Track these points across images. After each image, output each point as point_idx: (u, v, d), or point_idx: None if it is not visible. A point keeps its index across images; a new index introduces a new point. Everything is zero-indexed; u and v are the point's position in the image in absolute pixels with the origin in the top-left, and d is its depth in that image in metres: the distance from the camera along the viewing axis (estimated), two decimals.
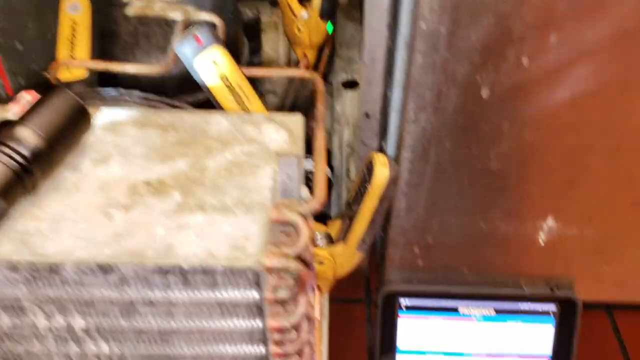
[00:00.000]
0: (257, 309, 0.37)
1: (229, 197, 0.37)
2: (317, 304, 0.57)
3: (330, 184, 0.65)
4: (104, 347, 0.40)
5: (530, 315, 0.64)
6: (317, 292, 0.58)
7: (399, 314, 0.64)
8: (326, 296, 0.64)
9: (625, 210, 0.58)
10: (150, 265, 0.34)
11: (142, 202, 0.37)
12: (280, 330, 0.39)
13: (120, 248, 0.35)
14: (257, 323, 0.38)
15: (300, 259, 0.38)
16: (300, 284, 0.36)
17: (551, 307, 0.63)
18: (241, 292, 0.36)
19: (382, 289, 0.63)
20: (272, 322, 0.38)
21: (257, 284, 0.35)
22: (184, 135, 0.41)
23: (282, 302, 0.37)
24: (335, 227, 0.57)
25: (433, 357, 0.65)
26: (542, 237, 0.60)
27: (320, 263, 0.55)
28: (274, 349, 0.40)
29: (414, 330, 0.65)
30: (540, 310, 0.64)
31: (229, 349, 0.40)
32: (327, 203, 0.70)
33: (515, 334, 0.64)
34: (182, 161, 0.39)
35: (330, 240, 0.56)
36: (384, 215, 0.55)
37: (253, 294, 0.36)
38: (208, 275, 0.34)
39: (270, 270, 0.34)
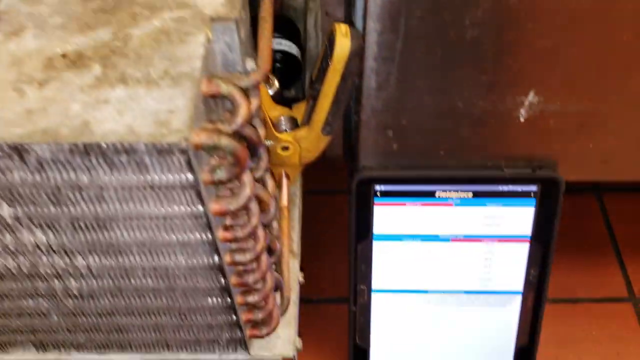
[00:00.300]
0: (196, 193, 0.34)
1: (155, 68, 0.33)
2: (286, 192, 0.54)
3: (299, 65, 0.61)
4: (40, 236, 0.37)
5: (510, 198, 0.61)
6: (285, 179, 0.55)
7: (374, 201, 0.61)
8: (298, 184, 0.61)
9: (611, 81, 0.53)
10: (65, 145, 0.30)
11: (58, 76, 0.33)
12: (226, 214, 0.36)
13: (33, 127, 0.31)
14: (198, 208, 0.35)
15: (240, 136, 0.34)
16: (238, 163, 0.32)
17: (532, 188, 0.60)
18: (174, 174, 0.32)
19: (356, 175, 0.60)
20: (214, 206, 0.35)
21: (189, 164, 0.31)
22: (107, 2, 0.36)
23: (222, 184, 0.33)
24: (300, 110, 0.53)
25: (410, 243, 0.63)
26: (522, 114, 0.55)
27: (285, 149, 0.51)
28: (222, 234, 0.37)
29: (390, 217, 0.62)
30: (521, 191, 0.61)
31: (175, 236, 0.37)
32: (299, 86, 0.65)
33: (494, 217, 0.62)
34: (104, 31, 0.34)
35: (295, 124, 0.53)
36: (351, 95, 0.51)
37: (187, 176, 0.32)
38: (132, 155, 0.31)
39: (199, 147, 0.31)
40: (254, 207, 0.37)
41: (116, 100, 0.31)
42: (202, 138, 0.30)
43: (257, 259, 0.40)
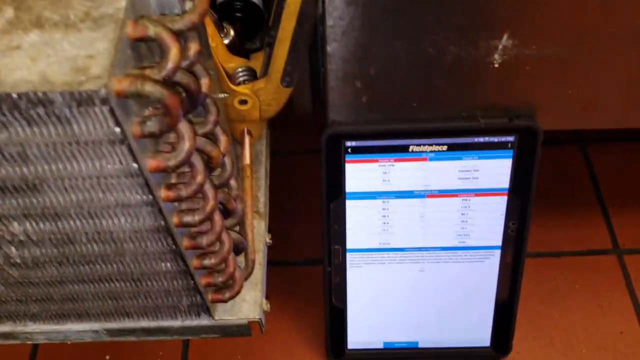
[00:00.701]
0: (127, 149, 0.30)
1: (75, 11, 0.29)
2: (248, 150, 0.51)
3: (262, 14, 0.57)
4: None
5: (486, 150, 0.58)
6: (247, 137, 0.52)
7: (346, 158, 0.58)
8: (263, 141, 0.58)
9: (589, 23, 0.50)
10: None
11: None
12: (165, 172, 0.32)
13: None
14: (132, 165, 0.31)
15: (174, 84, 0.31)
16: (168, 113, 0.29)
17: (509, 139, 0.57)
18: (99, 128, 0.29)
19: (325, 131, 0.57)
20: (151, 163, 0.32)
21: (113, 115, 0.28)
22: None
23: (154, 137, 0.30)
24: (259, 61, 0.49)
25: (384, 200, 0.60)
26: (496, 60, 0.52)
27: (243, 102, 0.48)
28: (165, 194, 0.34)
29: (362, 174, 0.59)
30: (497, 142, 0.58)
31: (113, 197, 0.34)
32: (263, 37, 0.62)
33: (470, 171, 0.59)
34: None
35: (254, 76, 0.49)
36: (311, 41, 0.47)
37: (113, 129, 0.29)
38: (50, 107, 0.28)
39: (122, 95, 0.27)
40: (199, 163, 0.34)
41: (29, 45, 0.28)
42: (123, 85, 0.27)
43: (209, 219, 0.38)
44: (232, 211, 0.42)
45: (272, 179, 0.84)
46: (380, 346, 0.69)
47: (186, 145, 0.32)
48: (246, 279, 0.48)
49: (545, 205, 0.80)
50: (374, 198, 0.60)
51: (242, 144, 0.50)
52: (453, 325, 0.67)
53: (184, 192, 0.34)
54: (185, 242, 0.38)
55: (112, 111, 0.28)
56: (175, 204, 0.36)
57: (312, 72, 0.61)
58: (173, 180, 0.36)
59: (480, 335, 0.68)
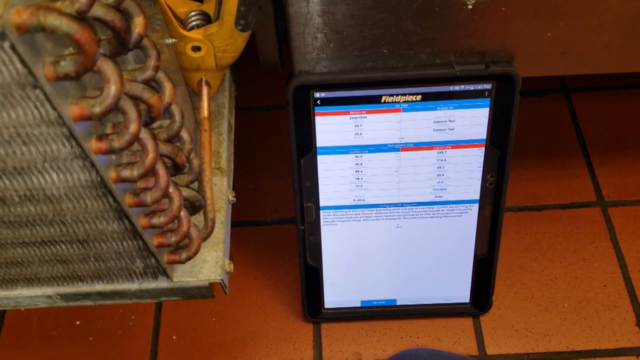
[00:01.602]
0: (43, 93, 0.27)
1: None
2: (206, 102, 0.47)
3: None
4: None
5: (462, 99, 0.54)
6: (205, 88, 0.48)
7: (315, 110, 0.55)
8: (226, 94, 0.54)
9: None
10: None
11: None
12: (91, 119, 0.29)
13: None
14: (50, 112, 0.28)
15: (94, 20, 0.27)
16: (81, 51, 0.25)
17: (486, 86, 0.54)
18: (5, 68, 0.25)
19: (292, 81, 0.53)
20: (73, 110, 0.28)
21: (16, 52, 0.24)
22: None
23: (70, 79, 0.27)
24: (213, 5, 0.45)
25: (357, 154, 0.57)
26: (470, 0, 0.48)
27: (196, 49, 0.44)
28: (96, 144, 0.30)
29: (333, 127, 0.56)
30: (474, 90, 0.54)
31: (36, 149, 0.30)
32: None
33: (446, 121, 0.55)
34: None
35: (208, 20, 0.45)
36: None
37: (19, 70, 0.25)
38: None
39: (23, 29, 0.24)
40: (131, 110, 0.30)
41: None
42: (23, 17, 0.23)
43: (151, 174, 0.34)
44: (182, 166, 0.38)
45: (241, 136, 0.81)
46: (358, 305, 0.66)
47: (112, 89, 0.28)
48: (205, 238, 0.45)
49: (527, 157, 0.77)
50: (347, 152, 0.57)
51: (199, 96, 0.47)
52: (431, 282, 0.65)
53: (116, 144, 0.30)
54: (128, 200, 0.35)
55: (13, 48, 0.24)
56: (113, 157, 0.33)
57: (277, 21, 0.56)
58: (109, 131, 0.32)
59: (459, 291, 0.65)
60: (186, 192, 0.41)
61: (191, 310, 0.68)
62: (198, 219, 0.46)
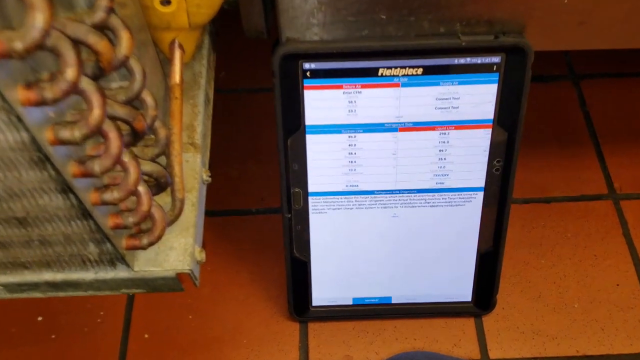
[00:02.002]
0: None
1: None
2: (178, 66, 0.41)
3: None
4: None
5: (468, 74, 0.48)
6: (178, 51, 0.42)
7: (304, 83, 0.49)
8: (204, 62, 0.48)
9: None
10: None
11: None
12: (10, 56, 0.23)
13: None
14: None
15: None
16: None
17: (495, 60, 0.48)
18: None
19: (278, 50, 0.47)
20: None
21: None
22: None
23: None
24: None
25: (350, 134, 0.51)
26: None
27: (166, 3, 0.38)
28: (23, 94, 0.24)
29: (324, 103, 0.49)
30: (481, 64, 0.48)
31: None
32: None
33: (449, 99, 0.49)
34: None
35: None
36: None
37: None
38: None
39: None
40: (69, 52, 0.24)
41: None
42: None
43: (99, 136, 0.28)
44: (142, 132, 0.32)
45: (226, 119, 0.75)
46: (349, 302, 0.60)
47: (37, 18, 0.22)
48: (172, 222, 0.38)
49: (533, 146, 0.71)
50: (339, 132, 0.51)
51: (170, 59, 0.41)
52: (430, 278, 0.59)
53: (49, 93, 0.24)
54: (72, 168, 0.29)
55: None
56: (49, 113, 0.27)
57: None
58: (33, 77, 0.26)
59: (461, 289, 0.60)
60: (149, 166, 0.35)
61: (165, 307, 0.61)
62: (166, 199, 0.39)
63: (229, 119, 0.74)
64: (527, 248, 0.65)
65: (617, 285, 0.62)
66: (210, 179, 0.43)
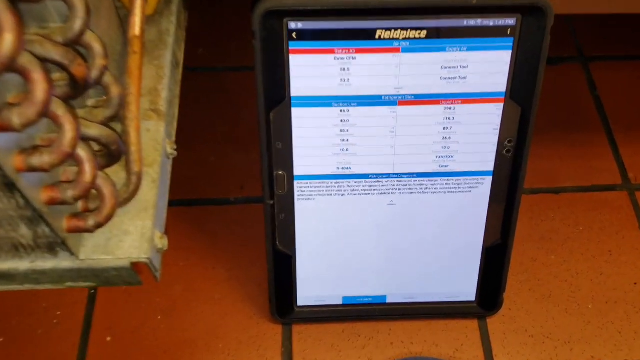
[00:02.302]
0: None
1: None
2: (139, 17, 0.34)
3: None
4: None
5: (478, 38, 0.42)
6: None
7: (289, 47, 0.42)
8: (173, 19, 0.41)
9: None
10: None
11: None
12: None
13: None
14: None
15: None
16: None
17: (509, 22, 0.42)
18: None
19: (258, 6, 0.40)
20: None
21: None
22: None
23: None
24: None
25: (343, 107, 0.44)
26: None
27: None
28: None
29: (313, 70, 0.43)
30: (493, 26, 0.42)
31: None
32: None
33: (456, 67, 0.43)
34: None
35: None
36: None
37: None
38: None
39: None
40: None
41: None
42: None
43: (19, 74, 0.21)
44: (83, 82, 0.25)
45: (205, 100, 0.68)
46: (339, 302, 0.54)
47: (5, 42, 0.15)
48: (127, 200, 0.32)
49: (541, 133, 0.64)
50: (329, 105, 0.44)
51: (130, 8, 0.34)
52: (430, 274, 0.52)
53: None
54: None
55: None
56: None
57: None
58: None
59: (464, 287, 0.53)
60: (96, 129, 0.28)
61: (131, 306, 0.54)
62: (121, 175, 0.33)
63: (208, 100, 0.67)
64: (536, 242, 0.59)
65: (635, 284, 0.56)
66: (175, 153, 0.36)
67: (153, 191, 0.33)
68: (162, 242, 0.33)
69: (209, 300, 0.55)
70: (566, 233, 0.59)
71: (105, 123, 0.31)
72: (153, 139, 0.35)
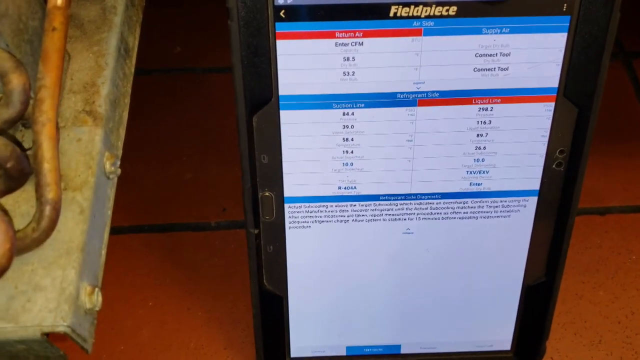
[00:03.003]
0: None
1: None
2: None
3: None
4: None
5: (524, 19, 0.33)
6: None
7: (276, 29, 0.33)
8: None
9: None
10: None
11: None
12: None
13: None
14: None
15: None
16: None
17: None
18: None
19: None
20: None
21: None
22: None
23: None
24: None
25: (346, 109, 0.35)
26: None
27: None
28: None
29: (307, 60, 0.33)
30: (544, 2, 0.32)
31: None
32: None
33: (495, 55, 0.33)
34: None
35: None
36: None
37: None
38: None
39: None
40: None
41: None
42: None
43: None
44: None
45: (180, 105, 0.59)
46: (342, 352, 0.44)
47: None
48: (36, 241, 0.22)
49: None
50: (329, 106, 0.34)
51: None
52: (454, 319, 0.42)
53: None
54: None
55: None
56: None
57: None
58: None
59: (497, 334, 0.43)
60: None
61: (89, 357, 0.45)
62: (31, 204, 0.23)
63: (185, 105, 0.58)
64: (580, 275, 0.49)
65: None
66: (118, 170, 0.27)
67: (81, 226, 0.24)
68: (91, 300, 0.23)
69: (183, 348, 0.45)
70: (616, 263, 0.49)
71: (2, 129, 0.21)
72: (85, 152, 0.25)
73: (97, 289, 0.24)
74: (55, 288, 0.22)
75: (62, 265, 0.23)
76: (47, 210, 0.22)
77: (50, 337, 0.23)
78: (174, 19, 0.64)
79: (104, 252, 0.25)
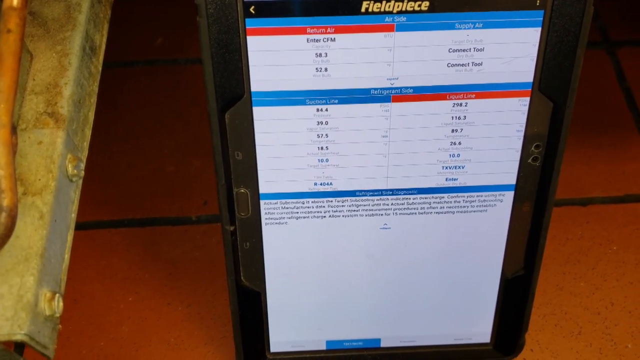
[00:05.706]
0: None
1: None
2: None
3: None
4: None
5: (498, 12, 0.32)
6: None
7: (247, 25, 0.32)
8: None
9: None
10: None
11: None
12: None
13: None
14: None
15: None
16: None
17: None
18: None
19: None
20: None
21: None
22: None
23: None
24: None
25: (319, 105, 0.34)
26: None
27: None
28: None
29: (278, 57, 0.33)
30: None
31: None
32: None
33: (469, 50, 0.33)
34: None
35: None
36: None
37: None
38: None
39: None
40: None
41: None
42: None
43: None
44: None
45: (159, 99, 0.58)
46: (322, 347, 0.43)
47: None
48: None
49: None
50: (302, 103, 0.34)
51: None
52: (434, 313, 0.42)
53: None
54: None
55: None
56: None
57: None
58: None
59: (476, 327, 0.43)
60: None
61: (68, 352, 0.44)
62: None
63: (166, 97, 0.57)
64: (560, 266, 0.49)
65: None
66: (82, 173, 0.26)
67: (40, 231, 0.23)
68: (51, 307, 0.23)
69: (162, 344, 0.45)
70: (597, 254, 0.49)
71: None
72: (46, 155, 0.25)
73: (57, 295, 0.23)
74: (13, 296, 0.22)
75: (20, 273, 0.22)
76: (2, 217, 0.21)
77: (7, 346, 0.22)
78: (155, 10, 0.63)
79: (67, 256, 0.25)
